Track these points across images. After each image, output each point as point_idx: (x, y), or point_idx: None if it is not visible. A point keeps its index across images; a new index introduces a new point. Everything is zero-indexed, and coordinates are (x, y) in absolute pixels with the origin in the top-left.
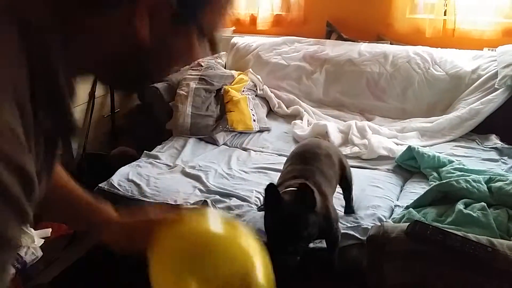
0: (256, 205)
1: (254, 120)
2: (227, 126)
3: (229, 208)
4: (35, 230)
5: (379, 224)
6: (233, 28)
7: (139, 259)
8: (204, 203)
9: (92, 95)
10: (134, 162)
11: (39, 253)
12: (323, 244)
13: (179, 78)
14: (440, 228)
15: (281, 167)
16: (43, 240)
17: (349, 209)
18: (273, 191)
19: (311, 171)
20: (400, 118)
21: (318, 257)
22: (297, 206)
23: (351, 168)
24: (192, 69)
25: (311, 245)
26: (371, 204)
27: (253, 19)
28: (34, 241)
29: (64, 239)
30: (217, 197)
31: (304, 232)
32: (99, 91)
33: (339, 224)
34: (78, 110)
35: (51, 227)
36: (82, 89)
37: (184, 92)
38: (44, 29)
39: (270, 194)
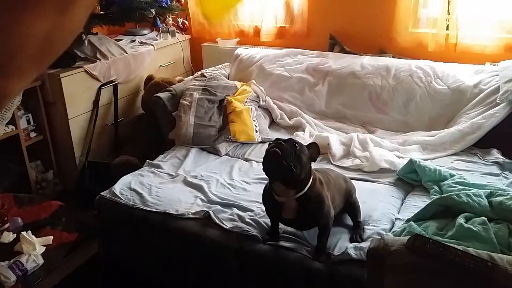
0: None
1: (256, 131)
2: (230, 136)
3: (231, 220)
4: (36, 237)
5: (380, 237)
6: (237, 39)
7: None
8: (206, 213)
9: (96, 104)
10: (136, 171)
11: (40, 261)
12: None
13: (182, 88)
14: (441, 242)
15: None
16: (45, 247)
17: (355, 235)
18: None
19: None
20: (402, 131)
21: (318, 274)
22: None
23: (352, 181)
24: (196, 80)
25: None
26: (372, 217)
27: (257, 31)
28: (35, 249)
29: (65, 247)
30: (219, 207)
31: (293, 149)
32: (103, 100)
33: (331, 214)
34: (82, 119)
35: (52, 234)
36: (86, 98)
37: (187, 102)
38: None
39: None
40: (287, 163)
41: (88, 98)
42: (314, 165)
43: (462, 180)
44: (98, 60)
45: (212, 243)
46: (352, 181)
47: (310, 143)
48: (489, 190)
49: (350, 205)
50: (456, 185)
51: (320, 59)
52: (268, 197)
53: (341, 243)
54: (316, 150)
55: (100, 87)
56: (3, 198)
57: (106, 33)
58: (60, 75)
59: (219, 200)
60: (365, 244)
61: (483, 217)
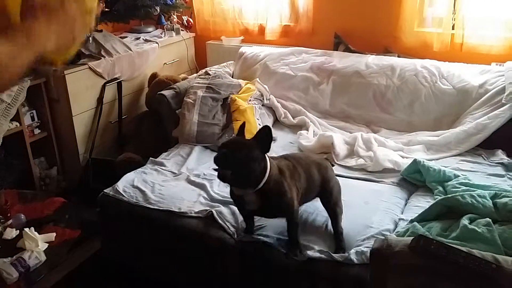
0: None
1: None
2: (233, 135)
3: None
4: (39, 234)
5: (383, 237)
6: (242, 37)
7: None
8: (210, 213)
9: (100, 101)
10: (139, 169)
11: (43, 258)
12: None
13: (186, 86)
14: (444, 243)
15: None
16: (47, 244)
17: (338, 242)
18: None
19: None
20: (406, 131)
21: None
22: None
23: (356, 180)
24: (200, 78)
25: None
26: (375, 217)
27: (262, 29)
28: (38, 246)
29: (68, 243)
30: (221, 205)
31: (240, 157)
32: (107, 97)
33: (293, 206)
34: (86, 116)
35: (55, 231)
36: (91, 95)
37: (191, 100)
38: None
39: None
40: (235, 177)
41: (92, 95)
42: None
43: (467, 181)
44: (102, 57)
45: (214, 242)
46: (356, 181)
47: (259, 130)
48: (494, 191)
49: (324, 195)
50: (460, 186)
51: (325, 58)
52: (231, 191)
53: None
54: (267, 137)
55: (104, 84)
56: (6, 194)
57: (111, 30)
58: (64, 72)
59: (221, 199)
60: (367, 249)
61: (488, 219)
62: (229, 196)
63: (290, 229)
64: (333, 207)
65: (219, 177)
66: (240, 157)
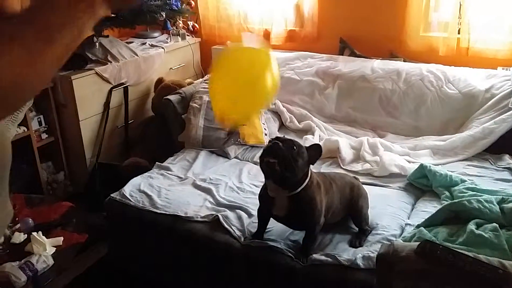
0: None
1: (265, 134)
2: (239, 139)
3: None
4: (47, 238)
5: (389, 242)
6: None
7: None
8: (216, 217)
9: (106, 106)
10: (146, 173)
11: (51, 262)
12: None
13: (192, 91)
14: (451, 248)
15: None
16: (55, 248)
17: (355, 239)
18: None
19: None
20: (412, 136)
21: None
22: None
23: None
24: (205, 82)
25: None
26: (382, 222)
27: (267, 34)
28: (45, 250)
29: (75, 248)
30: (227, 210)
31: (290, 152)
32: (114, 102)
33: (319, 220)
34: (93, 121)
35: (63, 235)
36: (97, 100)
37: (197, 105)
38: None
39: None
40: (280, 169)
41: (99, 100)
42: (325, 169)
43: (473, 186)
44: (109, 63)
45: (220, 246)
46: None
47: (312, 145)
48: (501, 196)
49: (354, 214)
50: (467, 191)
51: (330, 62)
52: (262, 190)
53: (350, 250)
54: (316, 152)
55: (111, 89)
56: (14, 198)
57: (117, 35)
58: (71, 77)
59: (228, 203)
60: (374, 254)
61: (494, 224)
62: (235, 201)
63: (307, 241)
64: (361, 224)
65: (264, 166)
66: (292, 152)
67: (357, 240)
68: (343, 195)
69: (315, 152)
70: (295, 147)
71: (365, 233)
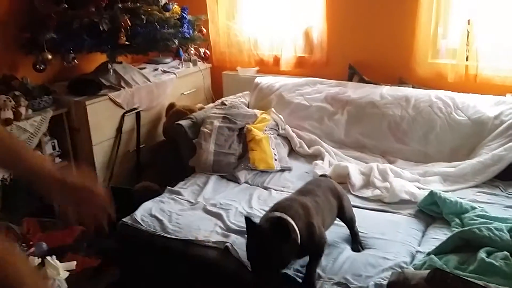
0: None
1: (275, 159)
2: (249, 164)
3: None
4: (60, 262)
5: (400, 270)
6: (257, 68)
7: None
8: (226, 247)
9: (119, 130)
10: (157, 198)
11: (64, 286)
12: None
13: (203, 116)
14: (461, 276)
15: None
16: (68, 273)
17: (355, 245)
18: (250, 223)
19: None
20: (422, 162)
21: None
22: (270, 237)
23: (372, 211)
24: (216, 108)
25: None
26: (392, 249)
27: (277, 60)
28: (59, 274)
29: (88, 272)
30: (238, 236)
31: (274, 260)
32: (126, 126)
33: (324, 240)
34: (106, 145)
35: (76, 260)
36: (110, 125)
37: (207, 130)
38: None
39: (248, 225)
40: (276, 277)
41: (111, 125)
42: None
43: (484, 213)
44: (122, 88)
45: (230, 273)
46: (372, 212)
47: (275, 223)
48: (511, 224)
49: (343, 216)
50: (477, 218)
51: (339, 88)
52: None
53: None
54: (283, 229)
55: (123, 114)
56: (28, 222)
57: (130, 61)
58: (85, 103)
59: (238, 229)
60: (385, 281)
61: (505, 252)
62: (245, 226)
63: (312, 265)
64: (348, 218)
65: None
66: (275, 259)
67: (357, 245)
68: (329, 203)
69: (283, 229)
70: (273, 251)
71: (358, 234)
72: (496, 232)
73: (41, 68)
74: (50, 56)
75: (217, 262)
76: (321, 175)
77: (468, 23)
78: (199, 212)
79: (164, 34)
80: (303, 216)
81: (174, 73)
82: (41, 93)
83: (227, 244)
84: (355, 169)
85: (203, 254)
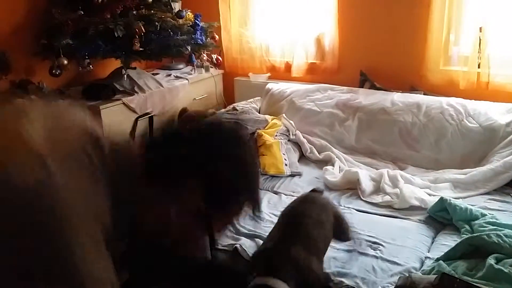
0: None
1: (286, 165)
2: (259, 169)
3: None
4: None
5: (407, 275)
6: (269, 74)
7: None
8: (235, 249)
9: (132, 134)
10: None
11: None
12: None
13: None
14: (468, 281)
15: None
16: None
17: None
18: None
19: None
20: (433, 169)
21: None
22: None
23: (382, 217)
24: (228, 113)
25: None
26: (401, 255)
27: (288, 66)
28: None
29: None
30: (247, 239)
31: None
32: (139, 131)
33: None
34: None
35: None
36: (123, 129)
37: None
38: None
39: None
40: None
41: (125, 129)
42: (344, 200)
43: (494, 220)
44: (135, 93)
45: (241, 275)
46: (382, 217)
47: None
48: None
49: (339, 231)
50: (487, 225)
51: (350, 94)
52: None
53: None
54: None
55: (136, 118)
56: None
57: (144, 67)
58: (100, 107)
59: (247, 232)
60: (393, 286)
61: None
62: (254, 230)
63: None
64: (348, 236)
65: None
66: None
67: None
68: (321, 225)
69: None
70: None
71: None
72: (506, 238)
73: (57, 73)
74: (66, 62)
75: (227, 265)
76: (312, 190)
77: (480, 31)
78: None
79: (177, 41)
80: (295, 274)
81: (187, 79)
82: (56, 98)
83: (236, 245)
84: (365, 175)
85: (213, 257)
